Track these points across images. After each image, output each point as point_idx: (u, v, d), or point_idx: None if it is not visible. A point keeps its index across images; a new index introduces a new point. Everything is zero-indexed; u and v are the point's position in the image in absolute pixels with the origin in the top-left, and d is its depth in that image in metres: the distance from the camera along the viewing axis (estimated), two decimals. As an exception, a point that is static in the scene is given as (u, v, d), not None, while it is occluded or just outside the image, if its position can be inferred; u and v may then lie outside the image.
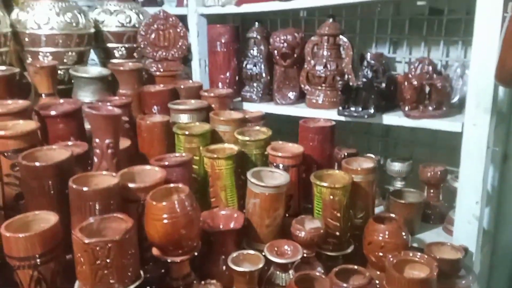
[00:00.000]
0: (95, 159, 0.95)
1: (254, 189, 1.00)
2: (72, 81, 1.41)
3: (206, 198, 1.12)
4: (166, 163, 1.02)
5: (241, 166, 1.14)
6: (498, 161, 1.25)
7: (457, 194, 1.10)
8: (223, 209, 1.03)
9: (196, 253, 0.86)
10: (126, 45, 1.58)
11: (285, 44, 1.43)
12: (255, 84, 1.55)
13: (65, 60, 1.42)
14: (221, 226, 0.98)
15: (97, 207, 0.79)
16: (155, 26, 1.55)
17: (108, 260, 0.70)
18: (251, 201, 1.02)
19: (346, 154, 1.44)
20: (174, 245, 0.82)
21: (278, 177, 1.06)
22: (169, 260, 0.84)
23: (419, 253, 0.98)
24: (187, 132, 1.16)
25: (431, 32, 1.43)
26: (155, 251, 0.87)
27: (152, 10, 1.63)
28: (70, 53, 1.43)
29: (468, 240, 1.10)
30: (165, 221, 0.80)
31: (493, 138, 1.07)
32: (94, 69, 1.47)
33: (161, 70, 1.54)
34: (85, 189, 0.79)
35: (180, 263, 0.85)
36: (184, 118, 1.30)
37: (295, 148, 1.16)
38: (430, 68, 1.24)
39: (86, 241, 0.69)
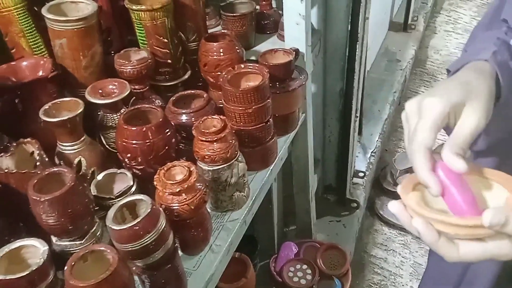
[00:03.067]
0: None
1: (56, 27, 0.84)
2: None
3: (6, 52, 0.93)
4: None
5: (39, 3, 0.93)
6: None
7: (283, -4, 1.06)
8: (25, 59, 0.86)
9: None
10: None
11: None
12: None
13: None
14: (25, 77, 0.82)
15: None
16: None
17: None
18: (57, 43, 0.86)
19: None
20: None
21: (83, 8, 0.89)
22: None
23: (251, 64, 0.97)
24: None
25: None
26: None
27: None
28: None
29: (298, 42, 1.12)
30: None
31: None
32: None
33: None
34: None
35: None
36: None
37: (100, -31, 0.97)
38: None
39: None
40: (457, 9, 3.74)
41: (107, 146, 0.88)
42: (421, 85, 2.86)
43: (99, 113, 0.87)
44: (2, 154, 0.69)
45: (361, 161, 1.93)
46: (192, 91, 0.97)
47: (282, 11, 1.12)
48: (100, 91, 0.86)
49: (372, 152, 2.00)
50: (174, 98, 0.95)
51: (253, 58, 1.21)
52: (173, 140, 0.82)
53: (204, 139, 0.81)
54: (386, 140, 2.35)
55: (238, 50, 1.02)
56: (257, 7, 1.29)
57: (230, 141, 0.83)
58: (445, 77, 3.03)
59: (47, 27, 0.88)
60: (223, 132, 0.81)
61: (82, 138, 0.79)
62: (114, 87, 0.87)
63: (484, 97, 0.53)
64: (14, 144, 0.71)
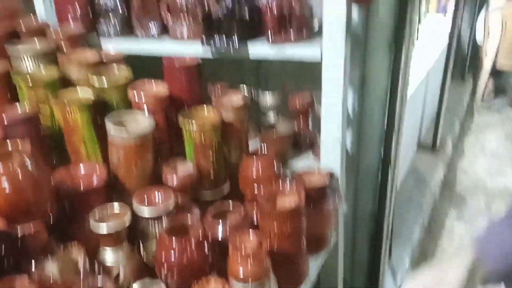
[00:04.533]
0: None
1: (116, 139, 0.92)
2: None
3: (64, 156, 1.01)
4: (5, 120, 0.87)
5: (101, 113, 1.03)
6: (357, 84, 1.32)
7: (321, 120, 1.13)
8: (83, 165, 0.93)
9: (51, 218, 0.77)
10: None
11: (141, -28, 1.28)
12: (111, 17, 1.38)
13: None
14: (81, 184, 0.88)
15: None
16: (-23, -49, 1.27)
17: None
18: (114, 153, 0.93)
19: (218, 89, 1.40)
20: (20, 213, 0.72)
21: (142, 122, 0.98)
22: (19, 231, 0.74)
23: (288, 184, 1.01)
24: (30, 82, 1.00)
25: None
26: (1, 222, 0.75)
27: None
28: None
29: (333, 164, 1.16)
30: (4, 186, 0.69)
31: (350, 61, 1.10)
32: None
33: (-6, 7, 1.29)
34: None
35: (34, 232, 0.76)
36: (27, 64, 1.11)
37: (160, 88, 1.08)
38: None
39: None
40: (485, 133, 3.83)
41: (145, 254, 0.90)
42: (450, 207, 2.83)
43: (141, 220, 0.91)
44: (48, 258, 0.72)
45: (390, 283, 1.86)
46: (230, 205, 1.01)
47: (318, 131, 1.19)
48: (146, 198, 0.91)
49: (401, 276, 1.93)
50: (212, 210, 0.98)
51: (289, 175, 1.26)
52: (210, 255, 0.84)
53: (238, 255, 0.82)
54: (416, 264, 2.28)
55: (276, 169, 1.07)
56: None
57: (264, 259, 0.84)
58: (474, 200, 2.96)
59: (104, 135, 0.96)
60: (258, 249, 0.83)
61: (124, 246, 0.81)
62: (159, 196, 0.91)
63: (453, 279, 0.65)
64: (60, 248, 0.74)
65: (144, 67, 1.39)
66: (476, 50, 4.32)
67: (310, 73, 1.40)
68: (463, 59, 4.30)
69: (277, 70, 1.52)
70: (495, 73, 4.18)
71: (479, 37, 4.21)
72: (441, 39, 3.11)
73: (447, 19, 3.29)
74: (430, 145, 3.13)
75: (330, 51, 1.05)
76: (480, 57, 4.22)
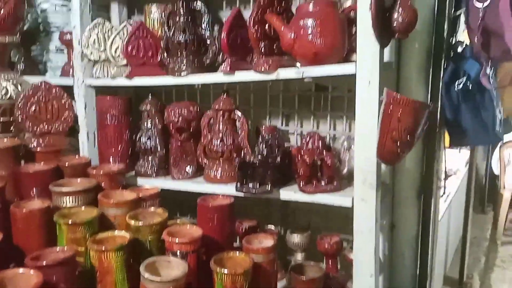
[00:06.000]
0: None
1: (149, 285, 0.91)
2: None
3: (94, 296, 1.00)
4: (44, 262, 0.89)
5: (134, 255, 1.04)
6: (386, 231, 1.33)
7: (353, 268, 1.12)
8: (114, 311, 0.91)
9: None
10: (1, 119, 1.42)
11: (180, 118, 1.40)
12: (150, 158, 1.48)
13: None
14: (110, 333, 0.86)
15: None
16: (36, 97, 1.43)
17: None
18: (145, 298, 0.92)
19: (247, 227, 1.42)
20: None
21: (175, 266, 0.98)
22: None
23: (323, 337, 0.97)
24: (70, 221, 1.04)
25: (318, 107, 1.51)
26: None
27: (33, 80, 1.51)
28: None
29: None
30: None
31: (380, 209, 1.13)
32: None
33: (42, 145, 1.41)
34: None
35: None
36: (68, 202, 1.17)
37: (194, 231, 1.10)
38: (320, 143, 1.30)
39: None
40: (510, 267, 3.65)
41: None
42: None
43: None
44: None
45: None
46: None
47: (349, 275, 1.16)
48: None
49: None
50: None
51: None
52: None
53: None
54: None
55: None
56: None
57: None
58: None
59: (136, 277, 0.95)
60: None
61: None
62: None
63: None
64: None
65: (179, 199, 1.44)
66: (493, 183, 4.37)
67: (338, 212, 1.42)
68: (481, 192, 4.33)
69: (304, 207, 1.55)
70: (515, 203, 4.15)
71: (496, 170, 4.29)
72: (459, 173, 3.17)
73: (462, 153, 3.39)
74: (456, 280, 2.97)
75: (362, 203, 1.09)
76: (498, 189, 4.24)
